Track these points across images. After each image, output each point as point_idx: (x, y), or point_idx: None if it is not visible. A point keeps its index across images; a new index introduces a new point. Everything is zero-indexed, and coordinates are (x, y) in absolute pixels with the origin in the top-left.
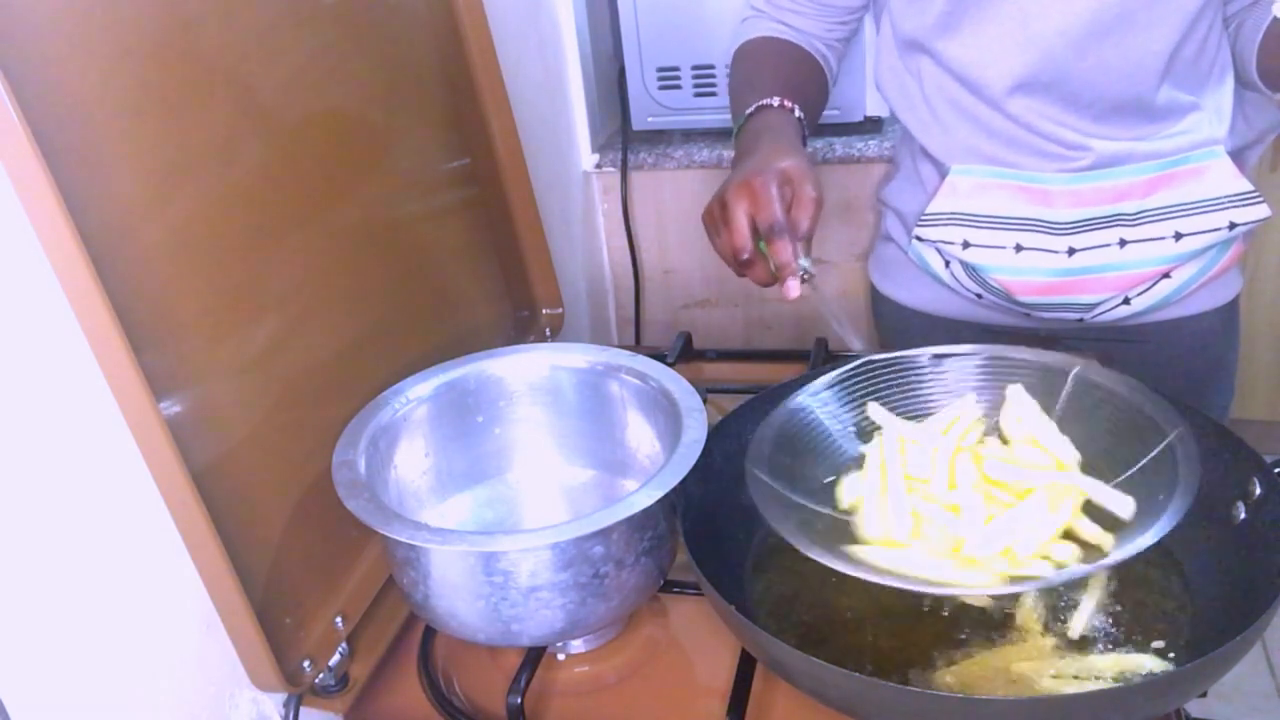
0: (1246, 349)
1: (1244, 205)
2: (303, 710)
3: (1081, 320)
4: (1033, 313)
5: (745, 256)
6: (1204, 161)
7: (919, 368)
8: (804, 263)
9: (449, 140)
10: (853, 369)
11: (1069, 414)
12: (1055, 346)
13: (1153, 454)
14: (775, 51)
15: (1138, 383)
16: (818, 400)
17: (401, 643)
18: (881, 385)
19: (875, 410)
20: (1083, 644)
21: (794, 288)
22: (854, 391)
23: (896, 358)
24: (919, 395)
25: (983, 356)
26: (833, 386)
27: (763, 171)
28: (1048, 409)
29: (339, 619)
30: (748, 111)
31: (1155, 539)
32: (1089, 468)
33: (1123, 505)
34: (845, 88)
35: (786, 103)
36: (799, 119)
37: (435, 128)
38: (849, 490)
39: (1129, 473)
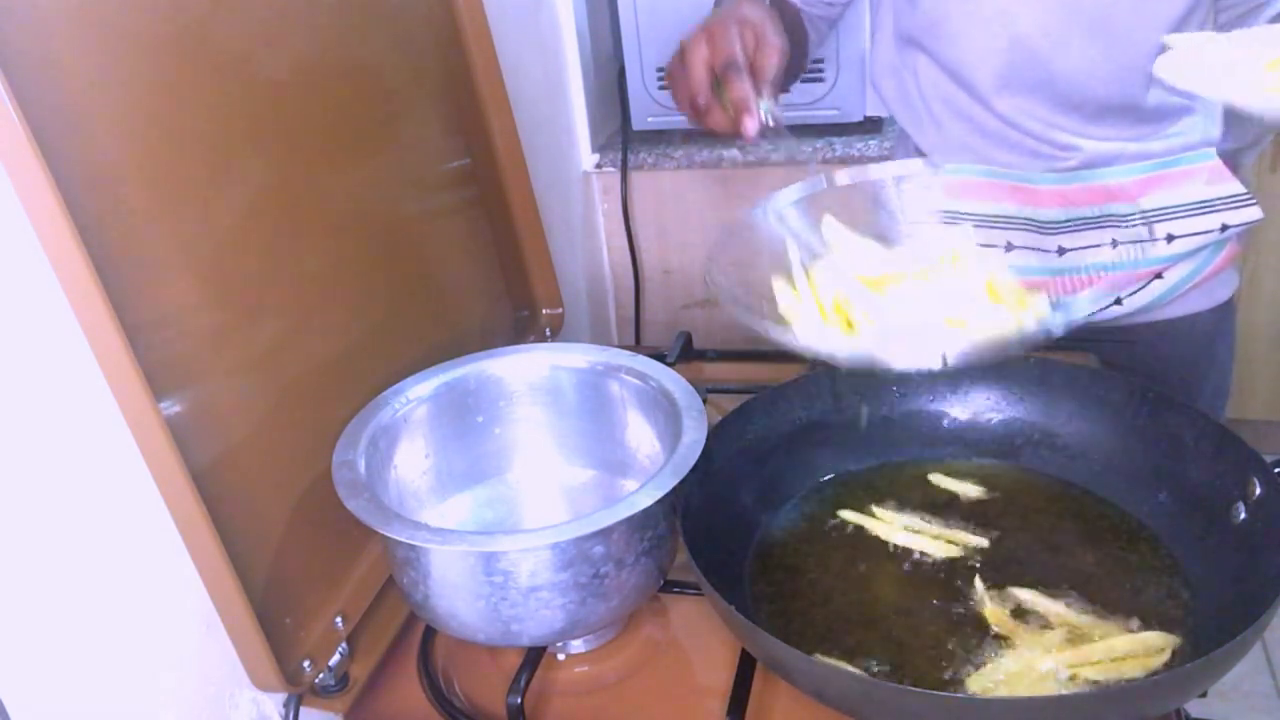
0: (1246, 349)
1: (1236, 208)
2: (303, 710)
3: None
4: None
5: (701, 100)
6: (1195, 164)
7: (883, 191)
8: (766, 105)
9: (449, 140)
10: (817, 190)
11: None
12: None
13: None
14: None
15: None
16: (776, 216)
17: (401, 643)
18: (841, 208)
19: (829, 224)
20: (1094, 630)
21: (750, 125)
22: (814, 213)
23: (861, 183)
24: (880, 220)
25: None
26: (796, 203)
27: (723, 20)
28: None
29: (339, 619)
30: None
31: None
32: None
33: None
34: (845, 88)
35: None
36: (767, 4)
37: (435, 128)
38: (781, 294)
39: None
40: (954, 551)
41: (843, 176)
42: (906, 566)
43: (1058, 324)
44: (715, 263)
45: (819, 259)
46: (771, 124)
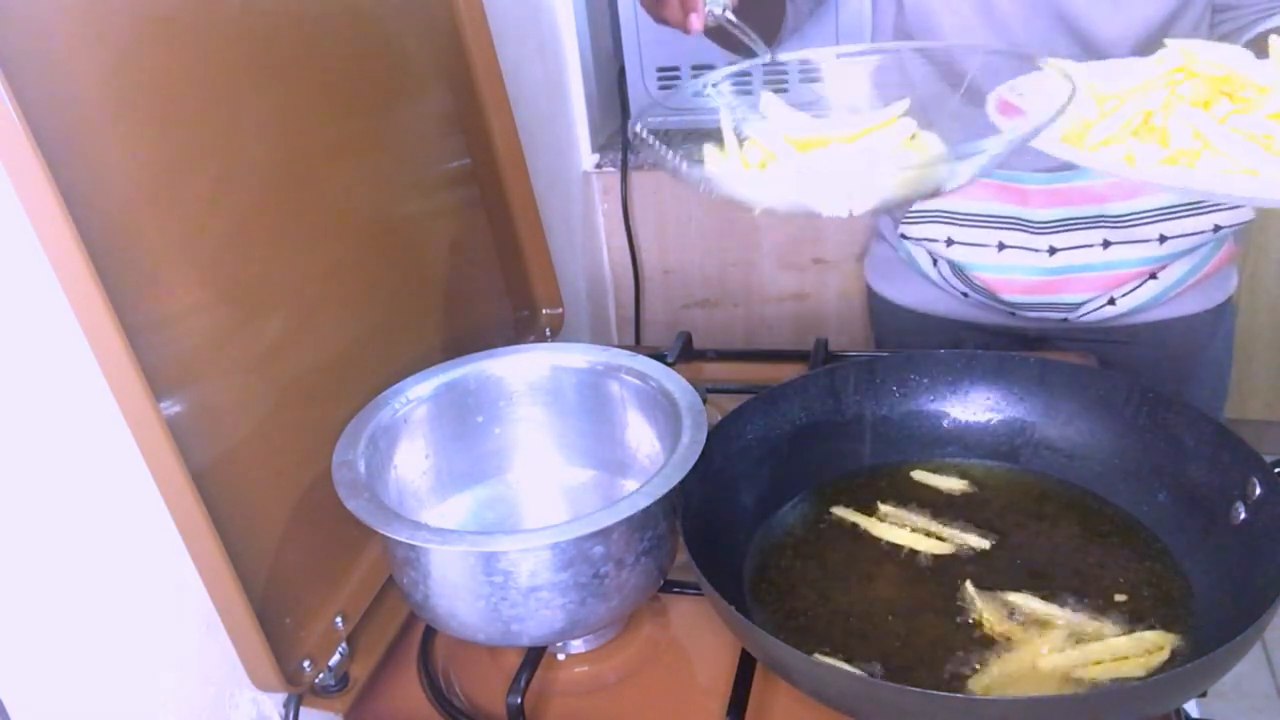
0: (1247, 349)
1: (1228, 208)
2: (303, 710)
3: (1067, 320)
4: (1018, 312)
5: None
6: None
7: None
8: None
9: (449, 140)
10: (758, 64)
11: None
12: (1044, 347)
13: None
14: None
15: None
16: (717, 91)
17: (401, 643)
18: (783, 85)
19: (767, 98)
20: (1097, 631)
21: (694, 21)
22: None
23: (799, 58)
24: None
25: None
26: (732, 77)
27: None
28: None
29: (339, 619)
30: None
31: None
32: None
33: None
34: None
35: None
36: None
37: (435, 128)
38: (709, 155)
39: None
40: (949, 549)
41: (785, 55)
42: (907, 567)
43: (965, 167)
44: (643, 119)
45: (750, 126)
46: (723, 16)
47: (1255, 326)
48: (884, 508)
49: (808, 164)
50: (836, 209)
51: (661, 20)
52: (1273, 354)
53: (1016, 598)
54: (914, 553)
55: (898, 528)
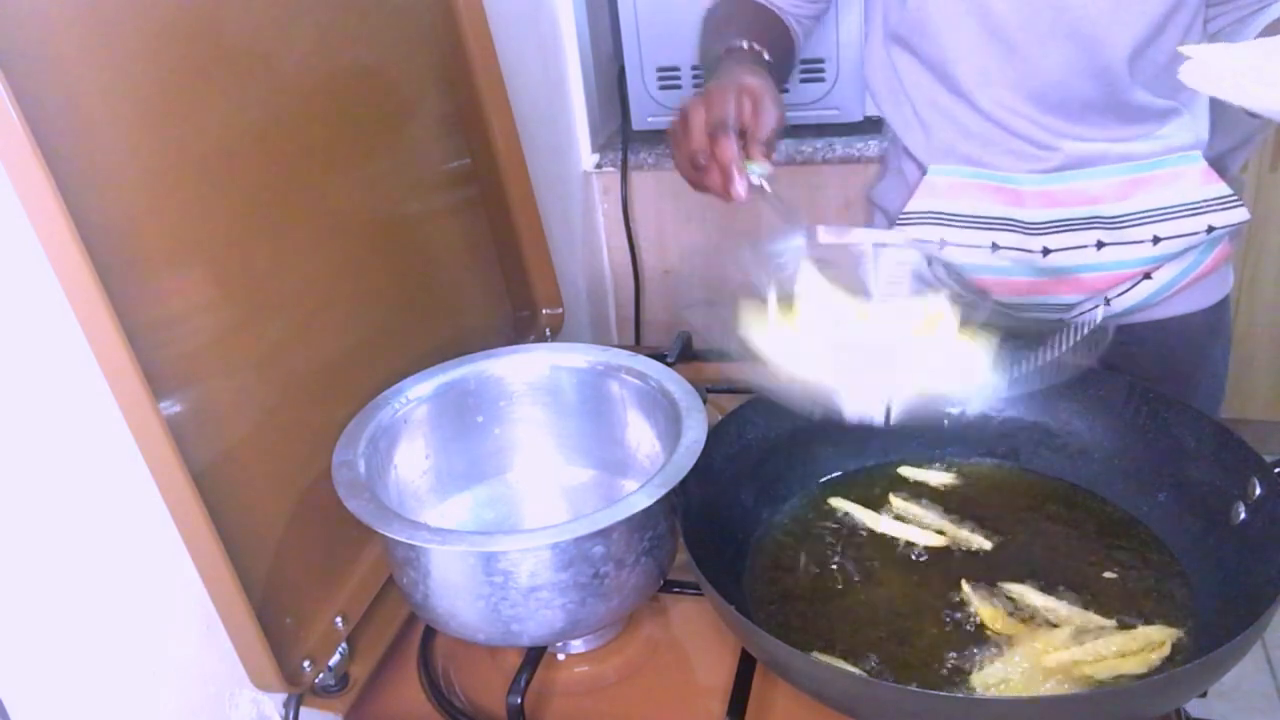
0: (1247, 349)
1: (1223, 209)
2: (303, 710)
3: (1061, 320)
4: (1013, 313)
5: (701, 160)
6: (1179, 166)
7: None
8: (756, 169)
9: (449, 140)
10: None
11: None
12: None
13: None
14: (742, 9)
15: None
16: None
17: (401, 643)
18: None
19: (807, 270)
20: (1097, 629)
21: (739, 188)
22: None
23: (844, 243)
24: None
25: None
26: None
27: (722, 85)
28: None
29: (339, 619)
30: (718, 57)
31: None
32: None
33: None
34: (845, 88)
35: (755, 45)
36: (767, 61)
37: (435, 128)
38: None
39: None
40: (944, 542)
41: (824, 235)
42: (908, 566)
43: (999, 384)
44: (692, 309)
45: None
46: (761, 184)
47: (1255, 326)
48: (891, 498)
49: (847, 368)
50: (871, 413)
51: (702, 188)
52: (1273, 354)
53: (1016, 589)
54: (913, 549)
55: (894, 520)
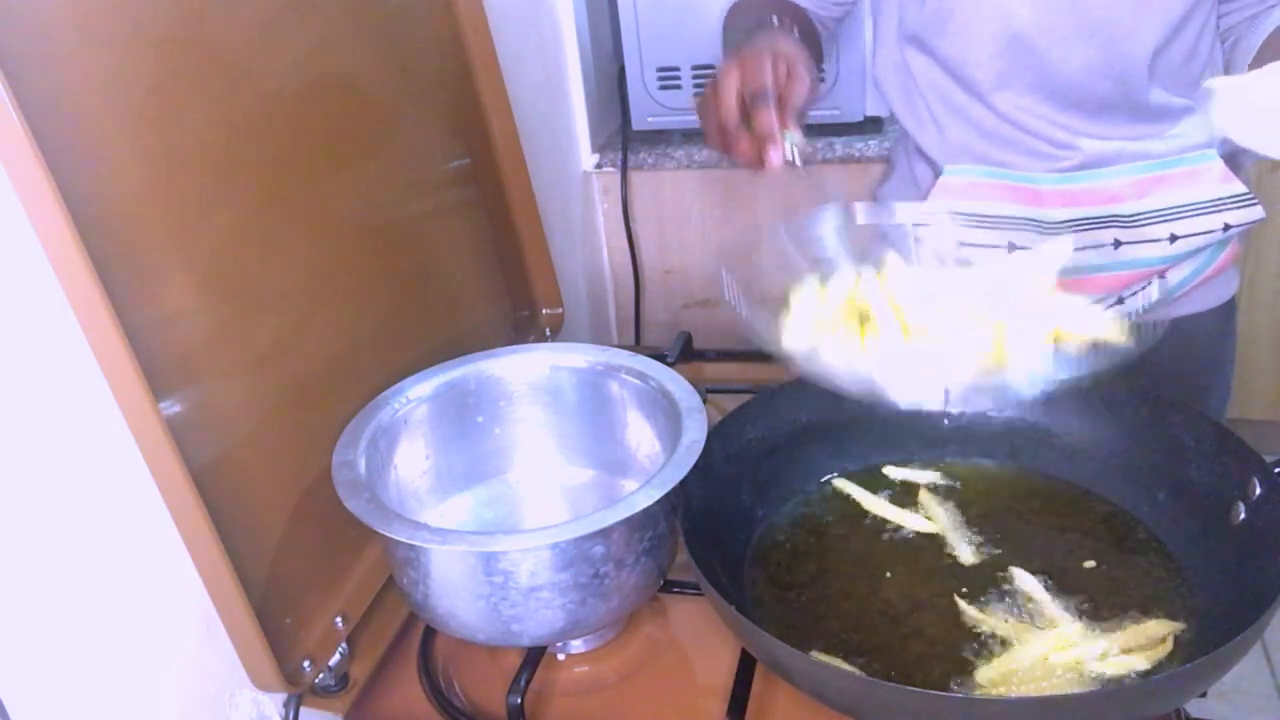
0: (1246, 349)
1: (1239, 207)
2: (303, 710)
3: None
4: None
5: (731, 127)
6: (1197, 164)
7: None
8: (791, 137)
9: (449, 140)
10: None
11: None
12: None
13: None
14: (767, 3)
15: None
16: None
17: (401, 643)
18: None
19: (893, 260)
20: (1107, 625)
21: (775, 156)
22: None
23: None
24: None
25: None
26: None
27: (757, 51)
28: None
29: (339, 619)
30: (747, 31)
31: None
32: None
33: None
34: (845, 88)
35: (785, 19)
36: (796, 38)
37: (435, 128)
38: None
39: None
40: (937, 529)
41: (862, 215)
42: (908, 566)
43: (1056, 375)
44: (726, 281)
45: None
46: (795, 158)
47: (1255, 326)
48: (922, 494)
49: (901, 353)
50: (927, 399)
51: (735, 158)
52: (1273, 354)
53: (1017, 589)
54: (913, 550)
55: (887, 503)
